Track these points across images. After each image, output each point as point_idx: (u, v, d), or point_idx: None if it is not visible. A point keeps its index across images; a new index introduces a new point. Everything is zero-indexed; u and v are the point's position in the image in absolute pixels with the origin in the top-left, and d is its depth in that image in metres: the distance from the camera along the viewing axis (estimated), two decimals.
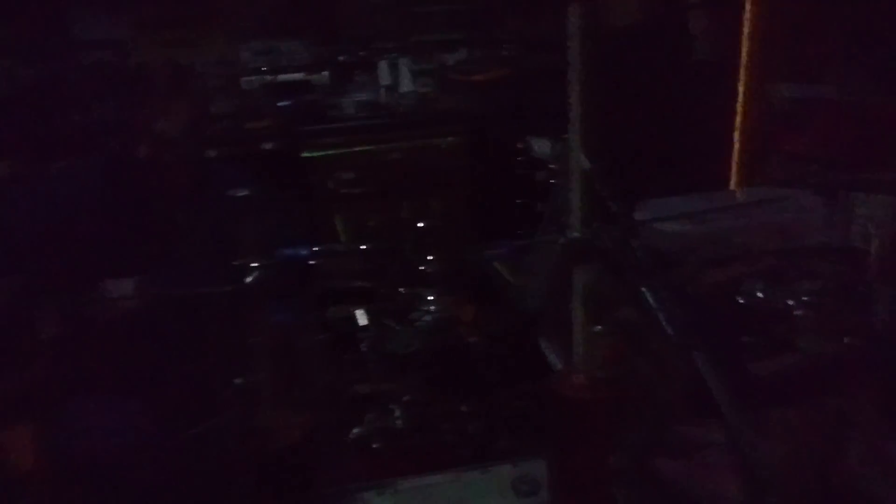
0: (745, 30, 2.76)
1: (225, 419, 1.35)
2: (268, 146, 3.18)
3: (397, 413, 2.71)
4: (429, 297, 2.94)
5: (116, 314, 1.85)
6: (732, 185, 2.82)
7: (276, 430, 1.32)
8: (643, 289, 1.89)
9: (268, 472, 1.36)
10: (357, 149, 3.19)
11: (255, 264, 1.37)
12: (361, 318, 2.92)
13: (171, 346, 1.74)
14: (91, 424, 1.77)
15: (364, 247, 2.11)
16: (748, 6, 2.74)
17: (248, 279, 1.34)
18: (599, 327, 1.60)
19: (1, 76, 2.63)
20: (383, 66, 3.48)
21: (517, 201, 2.95)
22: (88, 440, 1.75)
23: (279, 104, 3.33)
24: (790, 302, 1.75)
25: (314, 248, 1.71)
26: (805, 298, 1.74)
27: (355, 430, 2.64)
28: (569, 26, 1.82)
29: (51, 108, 2.63)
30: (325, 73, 3.52)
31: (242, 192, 1.35)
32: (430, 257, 3.00)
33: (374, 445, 2.60)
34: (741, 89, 2.70)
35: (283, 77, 3.45)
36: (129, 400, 1.76)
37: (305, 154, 3.20)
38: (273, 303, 1.45)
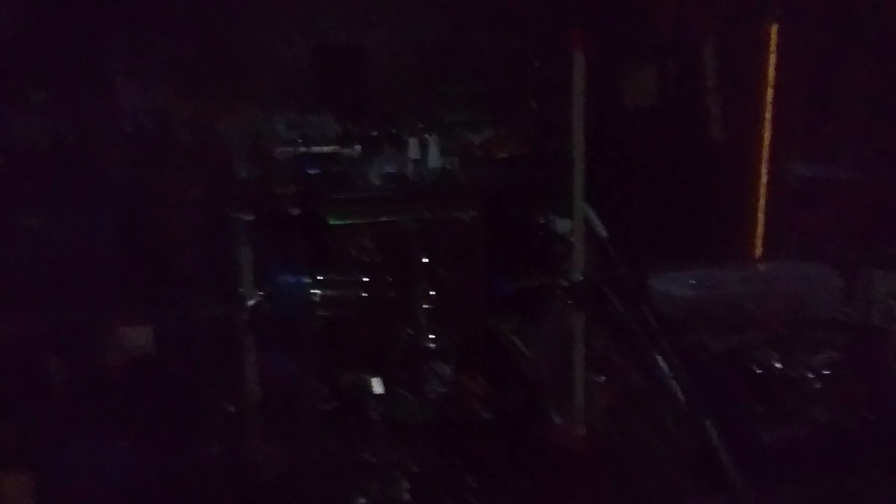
0: (767, 114, 2.79)
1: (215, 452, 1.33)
2: (296, 212, 3.25)
3: (404, 484, 2.65)
4: (441, 369, 2.91)
5: (122, 359, 1.87)
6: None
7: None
8: (653, 353, 1.85)
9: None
10: (380, 219, 3.25)
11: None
12: (377, 386, 2.89)
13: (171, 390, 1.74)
14: (86, 464, 1.76)
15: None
16: (768, 91, 2.78)
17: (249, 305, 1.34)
18: (601, 378, 1.58)
19: (43, 132, 2.78)
20: (413, 142, 3.59)
21: (532, 273, 2.96)
22: (83, 480, 1.73)
23: (310, 172, 3.44)
24: (806, 373, 1.69)
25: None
26: (816, 371, 1.69)
27: (361, 501, 2.58)
28: (579, 105, 1.89)
29: (75, 162, 2.76)
30: (357, 147, 3.64)
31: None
32: (443, 328, 2.99)
33: None
34: (761, 168, 2.71)
35: (315, 149, 3.57)
36: (123, 437, 1.75)
37: (331, 221, 3.27)
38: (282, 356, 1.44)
